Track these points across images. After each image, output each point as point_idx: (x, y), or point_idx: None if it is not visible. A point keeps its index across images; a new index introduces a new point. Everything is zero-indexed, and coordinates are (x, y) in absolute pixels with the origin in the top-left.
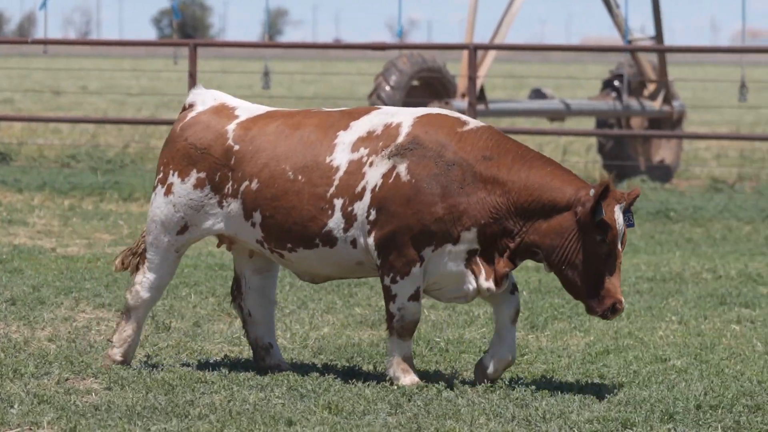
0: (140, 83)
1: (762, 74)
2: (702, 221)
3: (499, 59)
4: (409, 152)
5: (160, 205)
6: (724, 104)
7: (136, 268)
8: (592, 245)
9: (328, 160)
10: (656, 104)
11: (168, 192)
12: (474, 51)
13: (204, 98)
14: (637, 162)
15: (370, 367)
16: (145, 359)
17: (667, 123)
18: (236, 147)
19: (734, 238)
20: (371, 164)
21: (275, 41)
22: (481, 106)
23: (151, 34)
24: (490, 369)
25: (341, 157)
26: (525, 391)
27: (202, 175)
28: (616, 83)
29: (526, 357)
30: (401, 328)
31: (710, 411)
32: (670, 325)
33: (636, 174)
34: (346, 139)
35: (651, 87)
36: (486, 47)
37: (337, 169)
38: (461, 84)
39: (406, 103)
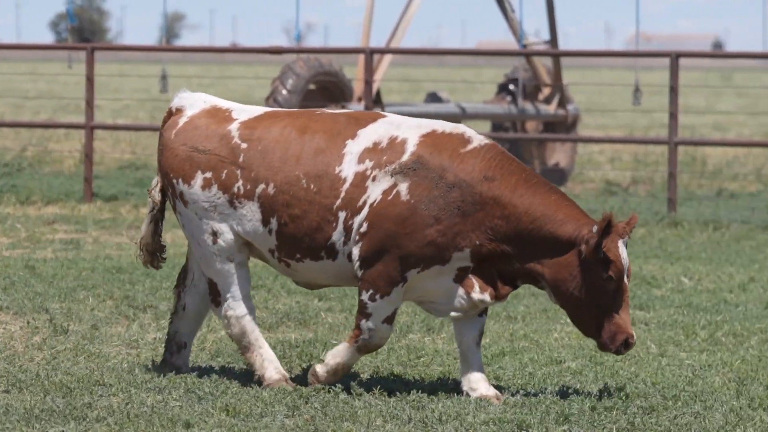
0: (37, 86)
1: (655, 78)
2: None
3: (395, 63)
4: (412, 172)
5: (187, 220)
6: (618, 108)
7: (215, 302)
8: (598, 282)
9: (337, 170)
10: (551, 108)
11: (185, 203)
12: (370, 55)
13: (193, 101)
14: (532, 165)
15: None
16: (43, 362)
17: (562, 126)
18: (244, 145)
19: (628, 241)
20: (374, 179)
21: (173, 45)
22: (377, 110)
23: (48, 38)
24: (476, 393)
25: (349, 168)
26: (421, 393)
27: (208, 174)
28: (511, 87)
29: (422, 359)
30: (365, 345)
31: (605, 412)
32: (565, 328)
33: None
34: (353, 149)
35: (546, 91)
36: (382, 51)
37: (345, 180)
38: (357, 87)
39: (303, 107)
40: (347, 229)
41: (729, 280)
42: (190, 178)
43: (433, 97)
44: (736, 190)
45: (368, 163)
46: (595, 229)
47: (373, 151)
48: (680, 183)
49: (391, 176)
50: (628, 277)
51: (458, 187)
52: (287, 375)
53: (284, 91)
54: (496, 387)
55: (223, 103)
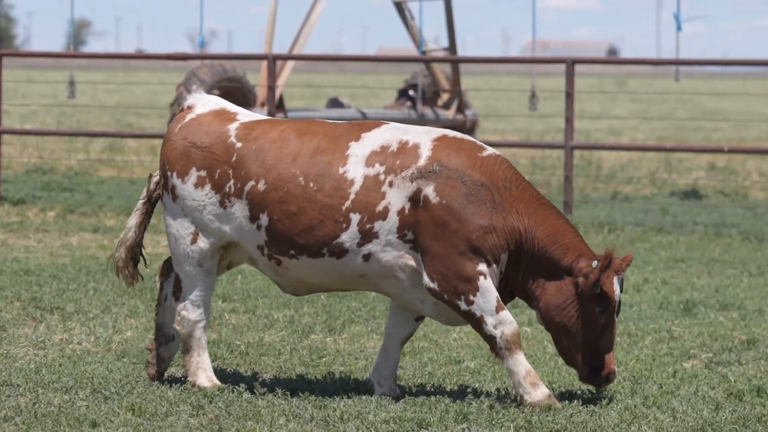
0: None
1: (551, 84)
2: None
3: (298, 69)
4: (434, 174)
5: (171, 215)
6: (515, 113)
7: (176, 297)
8: (590, 316)
9: (341, 171)
10: (450, 113)
11: (174, 197)
12: (273, 61)
13: (205, 101)
14: None
15: (172, 369)
16: None
17: (461, 131)
18: (238, 144)
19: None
20: (391, 184)
21: (80, 51)
22: (280, 115)
23: None
24: (378, 390)
25: (355, 169)
26: (323, 392)
27: (203, 173)
28: (411, 92)
29: (324, 359)
30: (507, 342)
31: (503, 411)
32: (464, 328)
33: None
34: (358, 151)
35: (445, 96)
36: (285, 57)
37: (352, 182)
38: (261, 93)
39: None
40: (365, 232)
41: (623, 281)
42: (184, 174)
43: (335, 103)
44: (630, 193)
45: (379, 167)
46: (595, 263)
47: (381, 155)
48: (576, 186)
49: (412, 181)
50: (617, 312)
51: (486, 187)
52: (218, 383)
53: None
54: (397, 386)
55: (233, 107)
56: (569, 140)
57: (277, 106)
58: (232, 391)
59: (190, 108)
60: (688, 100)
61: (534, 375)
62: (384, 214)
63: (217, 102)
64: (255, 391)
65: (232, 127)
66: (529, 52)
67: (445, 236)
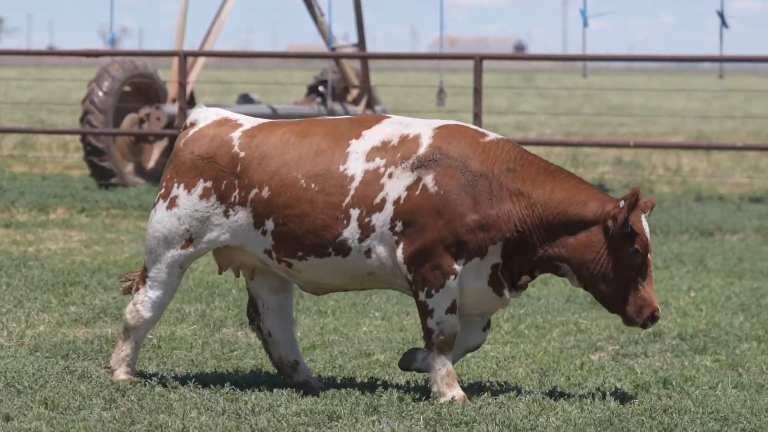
0: None
1: (460, 80)
2: None
3: (208, 66)
4: (434, 163)
5: (161, 220)
6: (423, 109)
7: (136, 288)
8: (625, 257)
9: (341, 168)
10: (359, 108)
11: (171, 205)
12: (184, 58)
13: (206, 115)
14: None
15: (86, 363)
16: None
17: None
18: (242, 154)
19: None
20: (390, 176)
21: None
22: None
23: None
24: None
25: (355, 166)
26: (235, 385)
27: (209, 184)
28: (321, 88)
29: (236, 353)
30: (441, 342)
31: (413, 403)
32: (373, 321)
33: None
34: (359, 148)
35: (354, 92)
36: (195, 54)
37: (352, 178)
38: (172, 89)
39: (119, 109)
40: (364, 226)
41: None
42: (191, 186)
43: (245, 99)
44: None
45: (379, 161)
46: (622, 204)
47: (382, 150)
48: None
49: (412, 171)
50: (650, 251)
51: (485, 177)
52: (133, 378)
53: (100, 93)
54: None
55: (233, 116)
56: None
57: (188, 102)
58: (144, 385)
59: (192, 124)
60: (594, 95)
61: (452, 377)
62: (381, 206)
63: (218, 113)
64: (167, 384)
65: (235, 137)
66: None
67: (435, 227)
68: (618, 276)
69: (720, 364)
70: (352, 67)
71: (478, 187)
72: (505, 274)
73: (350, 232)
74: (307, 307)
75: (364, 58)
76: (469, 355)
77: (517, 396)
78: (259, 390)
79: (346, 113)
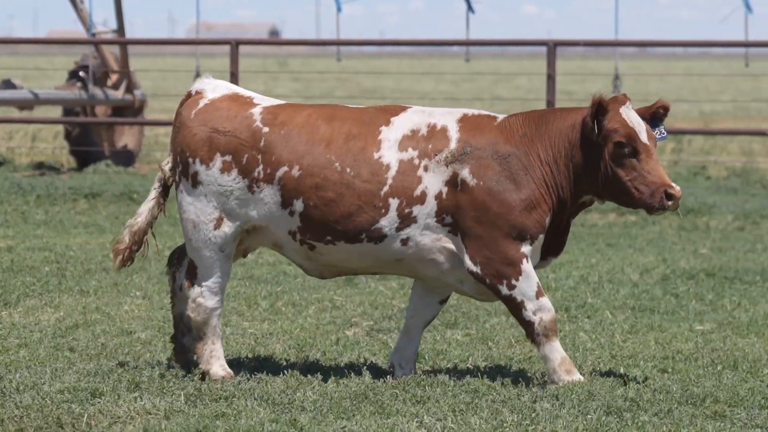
0: None
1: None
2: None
3: None
4: (467, 156)
5: (190, 202)
6: (181, 93)
7: (189, 285)
8: (615, 154)
9: (376, 156)
10: (119, 93)
11: (195, 184)
12: None
13: (215, 86)
14: (102, 148)
15: None
16: None
17: (130, 111)
18: (265, 129)
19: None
20: (426, 168)
21: None
22: None
23: None
24: (399, 372)
25: (390, 154)
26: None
27: (228, 158)
28: (82, 74)
29: (0, 333)
30: (545, 329)
31: (174, 380)
32: (135, 300)
33: (101, 159)
34: (390, 135)
35: (114, 77)
36: None
37: (388, 167)
38: None
39: None
40: (404, 217)
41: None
42: (208, 160)
43: (7, 84)
44: None
45: (412, 152)
46: (589, 112)
47: (413, 139)
48: None
49: (447, 166)
50: (651, 138)
51: (513, 156)
52: (232, 373)
53: None
54: (68, 358)
55: (245, 92)
56: None
57: None
58: None
59: (199, 93)
60: (347, 78)
61: (569, 362)
62: (422, 199)
63: (228, 87)
64: None
65: (256, 112)
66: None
67: (488, 219)
68: (618, 173)
69: (471, 338)
70: (111, 52)
71: (512, 167)
72: (549, 236)
73: (388, 221)
74: (70, 287)
75: (123, 43)
76: (228, 331)
77: (275, 371)
78: (25, 369)
79: (107, 98)
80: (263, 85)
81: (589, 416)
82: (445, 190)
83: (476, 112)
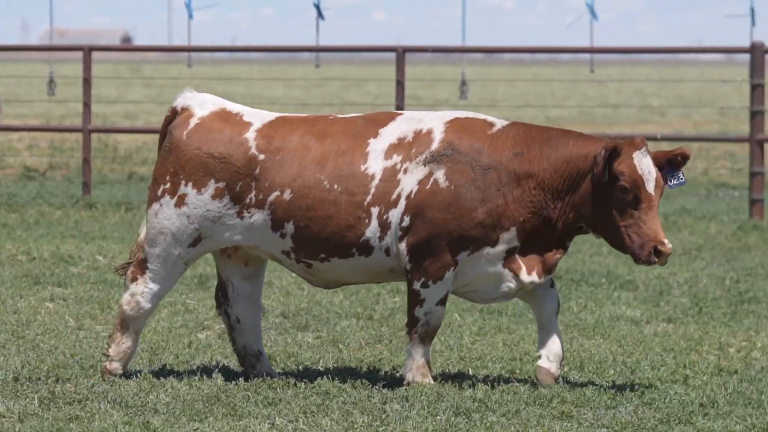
0: None
1: (70, 70)
2: (16, 207)
3: None
4: (446, 158)
5: (170, 217)
6: (35, 98)
7: (133, 278)
8: (617, 198)
9: (363, 168)
10: None
11: (180, 203)
12: None
13: (201, 101)
14: None
15: None
16: None
17: None
18: (261, 156)
19: (47, 223)
20: (405, 171)
21: None
22: None
23: None
24: (553, 368)
25: (375, 164)
26: None
27: (221, 185)
28: None
29: None
30: (425, 333)
31: (27, 383)
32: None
33: None
34: (377, 146)
35: None
36: None
37: (373, 177)
38: None
39: None
40: (383, 224)
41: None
42: (201, 185)
43: None
44: (146, 174)
45: (396, 158)
46: (603, 152)
47: (399, 146)
48: (94, 168)
49: (425, 165)
50: (658, 188)
51: (494, 169)
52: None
53: None
54: None
55: (231, 106)
56: (87, 124)
57: None
58: None
59: (186, 110)
60: (199, 84)
61: (426, 368)
62: (396, 202)
63: (214, 101)
64: None
65: (251, 137)
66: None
67: (444, 221)
68: (615, 216)
69: (321, 341)
70: None
71: (487, 180)
72: (532, 255)
73: (372, 231)
74: None
75: None
76: (81, 335)
77: (128, 374)
78: None
79: None
80: (116, 91)
81: (438, 417)
82: (416, 189)
83: (472, 115)
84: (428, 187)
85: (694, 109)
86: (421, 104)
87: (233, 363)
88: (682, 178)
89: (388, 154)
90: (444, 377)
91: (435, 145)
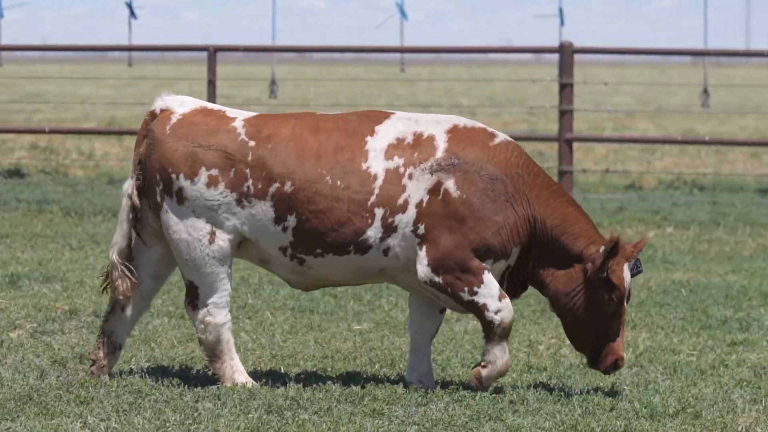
0: None
1: None
2: None
3: None
4: (452, 167)
5: (178, 220)
6: None
7: (193, 307)
8: (599, 302)
9: (364, 166)
10: None
11: (181, 200)
12: None
13: (181, 101)
14: None
15: None
16: None
17: None
18: (252, 143)
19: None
20: (411, 176)
21: None
22: None
23: None
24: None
25: (377, 164)
26: None
27: (214, 171)
28: None
29: None
30: (503, 330)
31: None
32: None
33: None
34: (376, 145)
35: None
36: None
37: (375, 177)
38: None
39: None
40: (387, 227)
41: (640, 264)
42: (192, 175)
43: None
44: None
45: (398, 160)
46: (602, 249)
47: (398, 148)
48: None
49: (431, 174)
50: (628, 299)
51: (500, 180)
52: (258, 385)
53: None
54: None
55: (214, 105)
56: None
57: None
58: None
59: (166, 111)
60: (10, 83)
61: (504, 369)
62: (404, 207)
63: (195, 101)
64: None
65: (238, 125)
66: None
67: (461, 231)
68: (590, 319)
69: (134, 339)
70: None
71: (496, 190)
72: (512, 278)
73: (373, 231)
74: None
75: None
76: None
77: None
78: None
79: None
80: None
81: (250, 415)
82: (426, 198)
83: (470, 124)
84: (440, 197)
85: (504, 108)
86: (232, 103)
87: (45, 362)
88: (640, 267)
89: (389, 154)
90: (256, 375)
91: (439, 154)
